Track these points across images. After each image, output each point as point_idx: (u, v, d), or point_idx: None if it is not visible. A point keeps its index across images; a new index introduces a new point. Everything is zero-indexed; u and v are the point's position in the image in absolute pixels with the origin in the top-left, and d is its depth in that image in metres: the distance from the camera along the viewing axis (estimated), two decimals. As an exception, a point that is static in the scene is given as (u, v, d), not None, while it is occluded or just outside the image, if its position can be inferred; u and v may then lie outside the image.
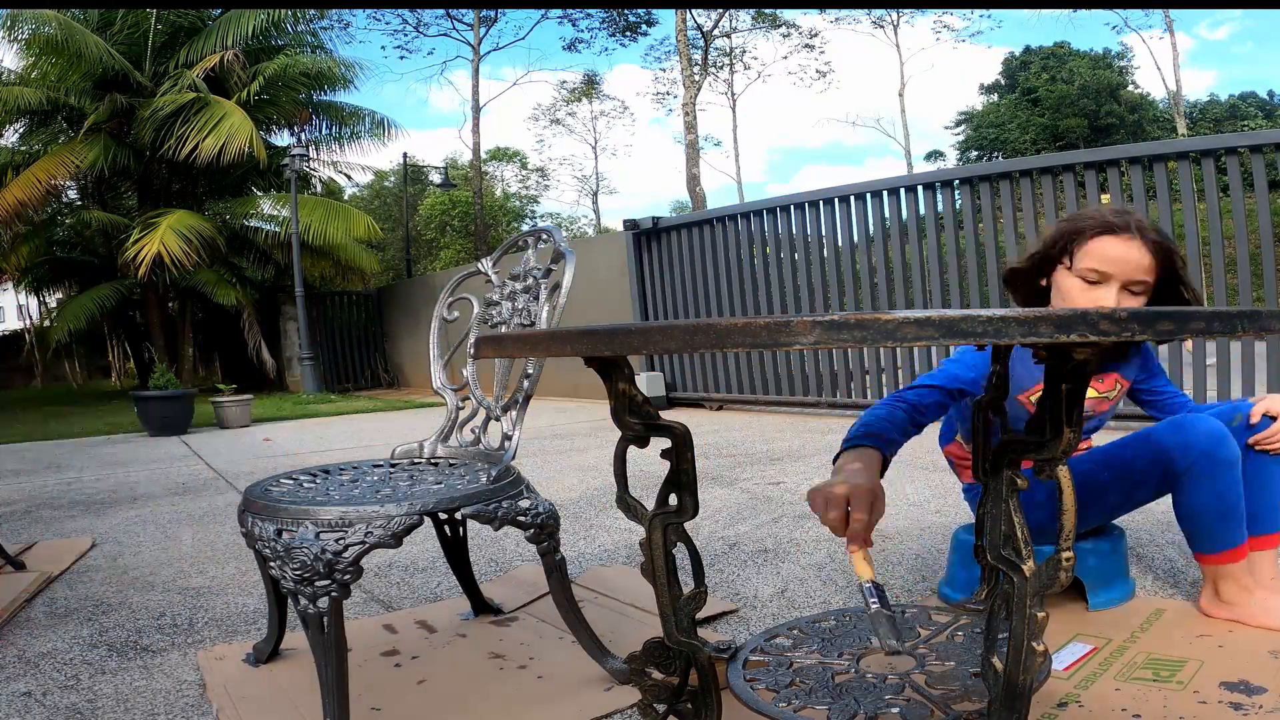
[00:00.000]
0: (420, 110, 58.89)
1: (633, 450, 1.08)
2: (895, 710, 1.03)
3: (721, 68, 29.70)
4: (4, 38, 10.26)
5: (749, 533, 2.57)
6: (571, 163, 49.05)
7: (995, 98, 36.39)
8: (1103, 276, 1.44)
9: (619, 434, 1.08)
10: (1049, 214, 4.51)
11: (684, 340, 0.75)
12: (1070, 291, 1.47)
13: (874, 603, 1.02)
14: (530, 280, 1.66)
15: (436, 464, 1.65)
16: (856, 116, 62.11)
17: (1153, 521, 2.32)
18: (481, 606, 1.89)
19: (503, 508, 1.39)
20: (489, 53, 37.72)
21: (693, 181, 21.60)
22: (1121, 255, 1.43)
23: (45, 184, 10.12)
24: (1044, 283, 1.56)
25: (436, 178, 22.81)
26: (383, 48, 45.09)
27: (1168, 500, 1.59)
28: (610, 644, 1.56)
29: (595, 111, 33.34)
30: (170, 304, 12.13)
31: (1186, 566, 1.96)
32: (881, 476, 1.26)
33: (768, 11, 27.49)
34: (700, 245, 6.46)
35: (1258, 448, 1.54)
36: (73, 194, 12.44)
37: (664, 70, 30.99)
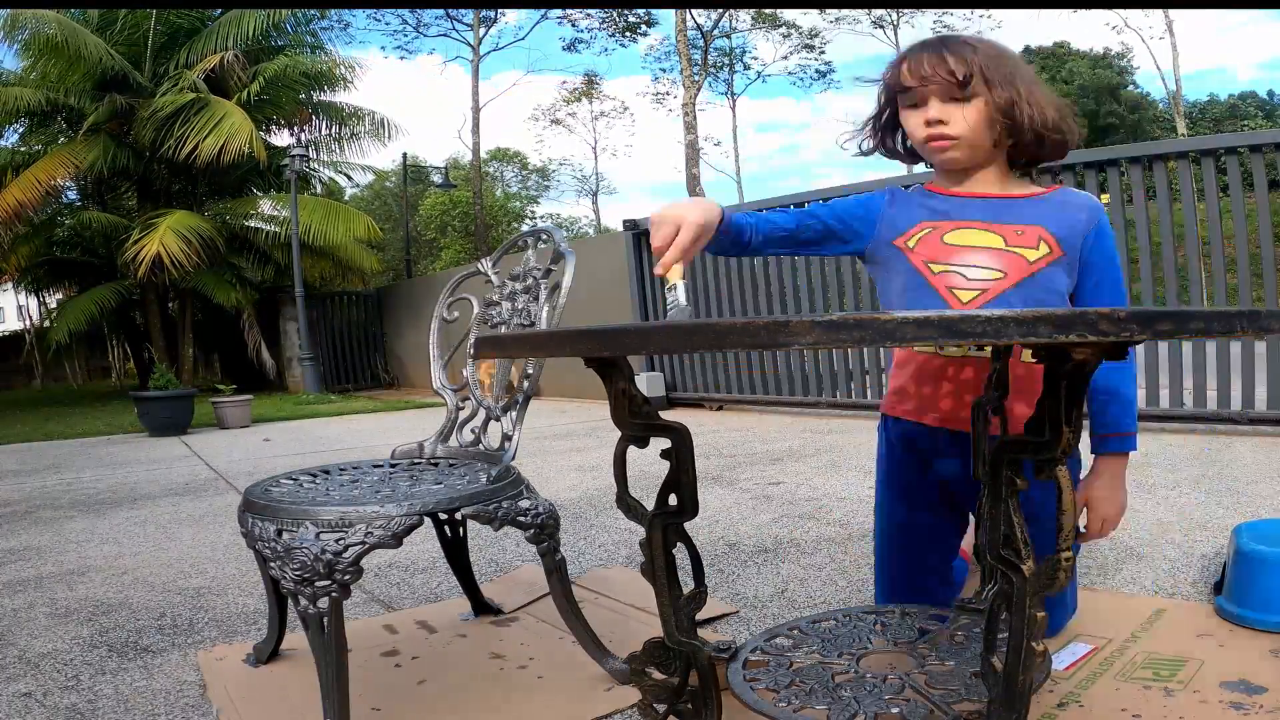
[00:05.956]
0: (420, 110, 58.91)
1: (633, 450, 1.08)
2: (895, 710, 1.03)
3: (721, 68, 29.72)
4: (4, 38, 10.27)
5: (749, 533, 2.57)
6: (571, 163, 48.96)
7: (995, 98, 36.31)
8: (919, 95, 1.42)
9: (619, 434, 1.08)
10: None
11: (683, 340, 0.75)
12: (907, 123, 1.47)
13: (683, 303, 1.25)
14: (530, 280, 1.66)
15: (436, 464, 1.65)
16: (857, 116, 62.00)
17: (1152, 521, 2.32)
18: (481, 607, 1.89)
19: (503, 508, 1.39)
20: (489, 53, 37.78)
21: (693, 181, 21.61)
22: (923, 70, 1.40)
23: (45, 184, 10.11)
24: (897, 139, 1.55)
25: (437, 178, 22.80)
26: (382, 48, 45.14)
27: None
28: (610, 644, 1.56)
29: (595, 112, 33.37)
30: (170, 304, 12.13)
31: (1186, 566, 1.96)
32: (720, 234, 1.35)
33: (768, 11, 27.52)
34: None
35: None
36: (73, 194, 12.44)
37: (664, 71, 30.99)
